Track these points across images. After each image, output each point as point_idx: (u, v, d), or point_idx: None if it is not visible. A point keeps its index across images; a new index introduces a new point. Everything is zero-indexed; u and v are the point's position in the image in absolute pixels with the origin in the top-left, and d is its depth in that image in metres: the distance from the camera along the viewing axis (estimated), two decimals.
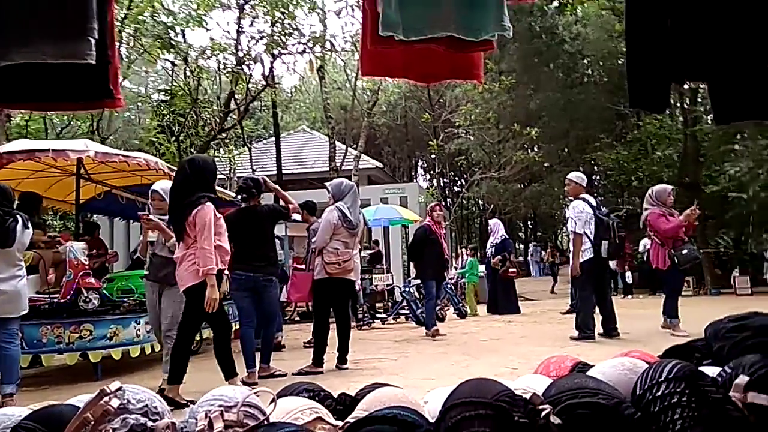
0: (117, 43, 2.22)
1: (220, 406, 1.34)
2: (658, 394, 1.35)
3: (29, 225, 5.28)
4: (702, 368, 1.56)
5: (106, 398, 1.32)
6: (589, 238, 6.93)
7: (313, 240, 6.33)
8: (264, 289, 5.54)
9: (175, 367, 4.42)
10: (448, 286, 11.07)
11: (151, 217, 4.92)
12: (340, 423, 1.49)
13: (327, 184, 6.28)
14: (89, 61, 1.91)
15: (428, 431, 1.29)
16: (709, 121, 17.71)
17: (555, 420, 1.30)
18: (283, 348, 7.55)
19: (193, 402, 4.35)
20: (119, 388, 1.36)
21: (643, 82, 2.09)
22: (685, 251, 6.64)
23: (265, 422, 1.34)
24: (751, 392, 1.36)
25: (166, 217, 4.86)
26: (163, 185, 5.14)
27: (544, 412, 1.31)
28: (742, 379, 1.39)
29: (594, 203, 7.16)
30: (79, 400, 1.62)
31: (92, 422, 1.28)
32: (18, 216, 5.09)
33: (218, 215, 4.49)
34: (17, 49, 1.90)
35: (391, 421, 1.26)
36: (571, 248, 7.09)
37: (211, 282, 4.30)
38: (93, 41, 1.92)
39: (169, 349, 4.98)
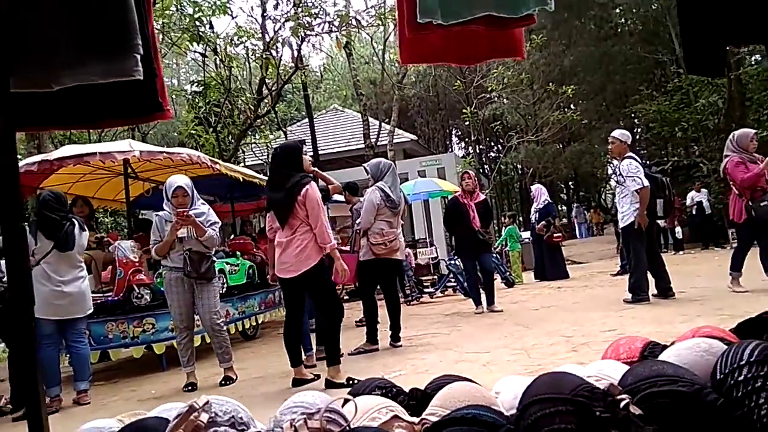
0: None
1: (303, 413, 1.37)
2: (741, 378, 1.32)
3: (85, 227, 5.48)
4: None
5: (195, 413, 1.38)
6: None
7: (357, 221, 6.35)
8: None
9: (331, 348, 4.53)
10: (493, 256, 10.92)
11: (190, 212, 4.92)
12: (415, 419, 1.52)
13: (365, 165, 6.29)
14: (137, 77, 1.94)
15: (509, 429, 1.30)
16: (753, 63, 16.95)
17: (635, 411, 1.29)
18: None
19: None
20: (206, 402, 1.41)
21: (698, 47, 1.99)
22: (765, 203, 6.13)
23: (347, 428, 1.37)
24: None
25: (193, 212, 4.94)
26: (185, 180, 5.06)
27: (623, 403, 1.30)
28: None
29: (640, 161, 6.96)
30: (164, 409, 1.69)
31: None
32: (74, 219, 5.29)
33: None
34: (66, 72, 1.93)
35: (471, 422, 1.27)
36: (629, 204, 6.74)
37: (335, 255, 4.50)
38: (139, 57, 1.95)
39: (220, 340, 5.11)
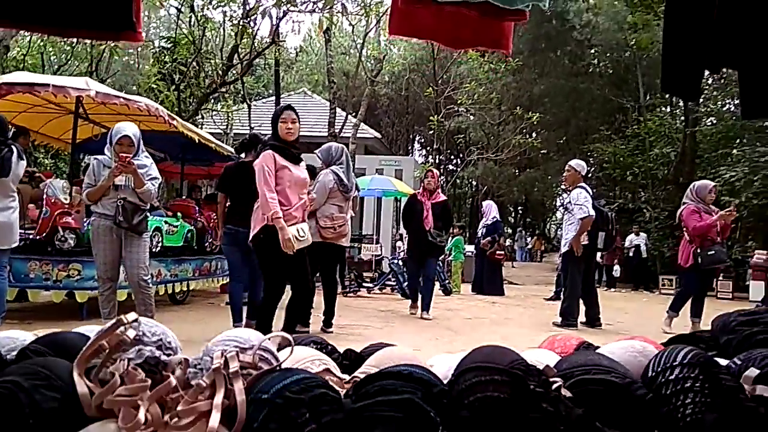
0: None
1: (236, 346, 1.32)
2: (672, 377, 1.36)
3: (23, 156, 5.20)
4: None
5: (122, 328, 1.30)
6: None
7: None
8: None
9: (262, 324, 4.51)
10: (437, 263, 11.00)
11: (132, 159, 4.71)
12: (347, 376, 1.49)
13: (317, 151, 6.21)
14: None
15: (443, 391, 1.28)
16: (709, 123, 17.79)
17: (566, 393, 1.30)
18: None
19: None
20: (135, 320, 1.34)
21: (677, 68, 2.05)
22: (711, 252, 6.34)
23: (278, 368, 1.33)
24: (760, 385, 1.37)
25: (135, 163, 4.75)
26: (134, 130, 4.80)
27: (555, 385, 1.31)
28: (752, 372, 1.40)
29: (591, 194, 7.16)
30: (86, 329, 1.60)
31: (107, 350, 1.27)
32: (13, 146, 5.00)
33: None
34: None
35: (407, 378, 1.25)
36: (574, 232, 6.89)
37: (278, 224, 4.46)
38: None
39: (144, 296, 4.91)
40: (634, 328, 6.92)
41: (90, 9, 1.98)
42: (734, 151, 15.15)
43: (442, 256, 12.43)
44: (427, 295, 7.49)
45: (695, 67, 2.02)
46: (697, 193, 6.69)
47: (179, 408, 1.19)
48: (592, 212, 6.85)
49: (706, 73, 2.32)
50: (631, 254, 16.11)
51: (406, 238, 8.49)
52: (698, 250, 6.39)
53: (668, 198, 17.20)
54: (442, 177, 8.24)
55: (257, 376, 1.27)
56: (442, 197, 7.73)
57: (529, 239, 31.79)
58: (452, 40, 2.41)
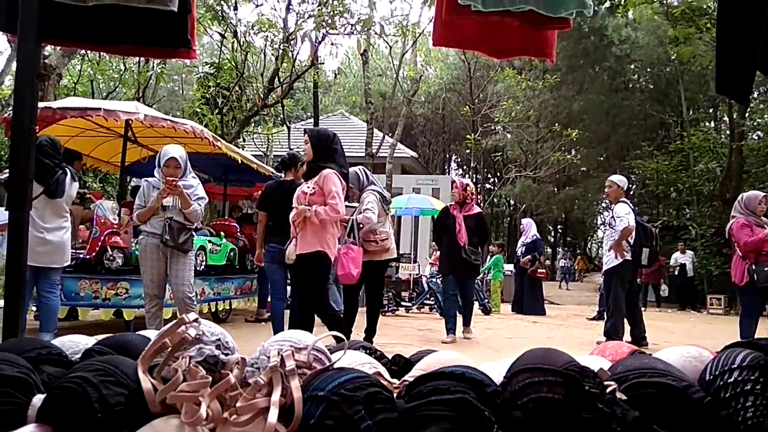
0: None
1: (291, 346, 1.35)
2: (731, 380, 1.32)
3: (76, 178, 5.41)
4: None
5: (184, 327, 1.35)
6: (628, 242, 6.81)
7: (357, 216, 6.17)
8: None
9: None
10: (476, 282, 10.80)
11: (179, 180, 4.84)
12: (396, 381, 1.50)
13: None
14: (171, 8, 1.94)
15: (497, 391, 1.28)
16: (756, 137, 17.28)
17: (621, 396, 1.28)
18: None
19: None
20: (196, 319, 1.39)
21: (731, 68, 2.03)
22: (767, 268, 5.87)
23: (332, 368, 1.35)
24: None
25: (182, 183, 4.90)
26: (180, 152, 4.97)
27: (609, 388, 1.30)
28: None
29: (633, 209, 7.02)
30: (146, 332, 1.66)
31: (170, 348, 1.31)
32: (67, 168, 5.21)
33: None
34: None
35: (459, 378, 1.26)
36: (615, 238, 6.72)
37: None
38: None
39: (188, 311, 5.02)
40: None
41: (148, 27, 2.08)
42: None
43: (481, 275, 12.31)
44: (467, 314, 7.26)
45: (747, 68, 1.99)
46: (746, 204, 6.18)
47: (238, 405, 1.22)
48: (633, 224, 6.71)
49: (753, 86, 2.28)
50: (676, 273, 15.64)
51: (434, 254, 8.13)
52: (753, 267, 5.95)
53: (714, 215, 16.69)
54: (470, 187, 7.36)
55: (312, 374, 1.30)
56: (477, 209, 7.18)
57: (570, 260, 31.07)
58: (496, 49, 2.43)
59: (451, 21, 2.21)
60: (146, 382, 1.25)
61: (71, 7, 1.93)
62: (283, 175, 6.16)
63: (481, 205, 21.66)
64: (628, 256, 6.77)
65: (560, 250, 29.70)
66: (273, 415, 1.19)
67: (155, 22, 2.07)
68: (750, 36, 1.86)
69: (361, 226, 5.72)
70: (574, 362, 1.33)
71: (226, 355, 1.38)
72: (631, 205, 7.00)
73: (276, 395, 1.22)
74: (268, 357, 1.29)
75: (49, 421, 1.24)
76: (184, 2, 2.03)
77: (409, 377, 1.46)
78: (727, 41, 2.01)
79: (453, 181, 7.40)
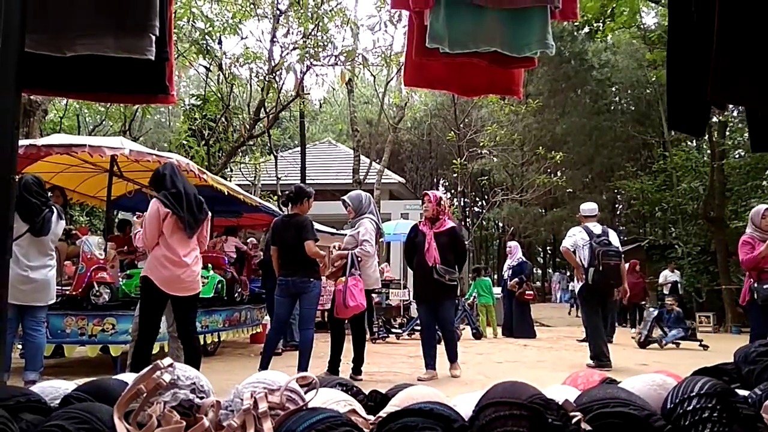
0: None
1: (264, 388, 1.38)
2: (690, 408, 1.37)
3: (63, 216, 5.44)
4: None
5: (158, 372, 1.38)
6: (582, 264, 6.98)
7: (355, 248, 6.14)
8: (301, 290, 5.55)
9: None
10: (460, 305, 10.78)
11: None
12: (371, 417, 1.53)
13: (345, 198, 6.27)
14: (148, 57, 2.00)
15: (464, 426, 1.32)
16: (737, 156, 17.58)
17: (586, 427, 1.32)
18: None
19: None
20: (171, 364, 1.42)
21: (682, 104, 2.11)
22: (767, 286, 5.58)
23: (305, 408, 1.38)
24: None
25: None
26: None
27: (575, 419, 1.34)
28: None
29: (598, 231, 7.06)
30: (124, 377, 1.69)
31: (144, 394, 1.34)
32: (54, 207, 5.24)
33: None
34: (81, 41, 1.99)
35: (428, 414, 1.30)
36: (582, 272, 7.05)
37: None
38: (153, 38, 2.01)
39: (177, 348, 5.01)
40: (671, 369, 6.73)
41: (126, 75, 2.14)
42: (764, 182, 14.91)
43: (470, 300, 12.26)
44: (450, 347, 6.25)
45: (700, 102, 2.07)
46: (752, 219, 5.94)
47: None
48: (566, 245, 7.09)
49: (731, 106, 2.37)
50: (666, 291, 15.72)
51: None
52: (755, 285, 5.68)
53: (700, 233, 16.90)
54: (444, 200, 6.35)
55: (285, 415, 1.33)
56: (449, 224, 6.21)
57: (569, 281, 30.90)
58: (465, 88, 2.52)
59: (420, 62, 2.30)
60: (122, 428, 1.28)
61: (49, 57, 1.99)
62: (289, 209, 6.14)
63: (470, 228, 21.77)
64: (583, 281, 6.96)
65: (556, 273, 29.55)
66: None
67: (133, 70, 2.13)
68: (699, 72, 1.95)
69: (359, 259, 5.76)
70: (540, 395, 1.37)
71: (201, 398, 1.41)
72: (592, 228, 7.08)
73: None
74: (242, 399, 1.33)
75: None
76: (161, 50, 2.10)
77: (384, 413, 1.50)
78: (677, 78, 2.10)
79: (425, 194, 6.41)
